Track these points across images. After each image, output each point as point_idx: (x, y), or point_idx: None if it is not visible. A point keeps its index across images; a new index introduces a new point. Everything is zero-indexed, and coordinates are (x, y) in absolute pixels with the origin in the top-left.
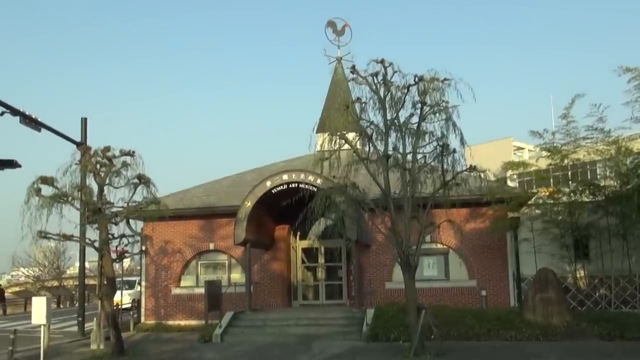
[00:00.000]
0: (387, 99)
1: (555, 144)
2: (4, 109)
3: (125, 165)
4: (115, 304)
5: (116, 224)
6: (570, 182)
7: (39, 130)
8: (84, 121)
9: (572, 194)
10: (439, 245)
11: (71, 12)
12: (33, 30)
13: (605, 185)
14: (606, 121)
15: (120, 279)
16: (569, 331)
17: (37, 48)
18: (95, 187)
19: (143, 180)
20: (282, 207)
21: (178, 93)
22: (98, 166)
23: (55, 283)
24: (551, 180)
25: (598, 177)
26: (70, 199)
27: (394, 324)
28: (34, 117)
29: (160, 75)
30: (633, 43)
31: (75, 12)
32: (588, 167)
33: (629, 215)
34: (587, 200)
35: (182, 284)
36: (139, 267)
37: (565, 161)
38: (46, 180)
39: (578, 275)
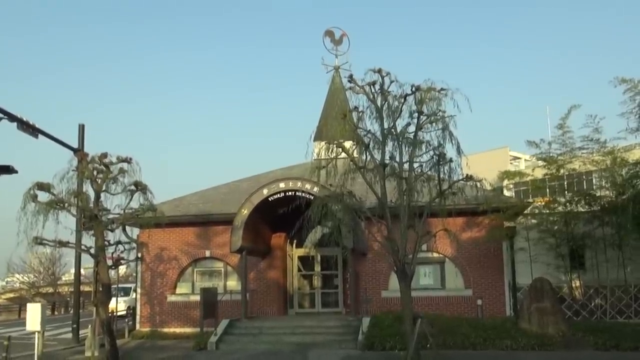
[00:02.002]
0: (384, 108)
1: (551, 154)
2: (2, 115)
3: (122, 171)
4: (110, 310)
5: (112, 230)
6: (566, 192)
7: (37, 137)
8: (82, 128)
9: (567, 204)
10: (435, 254)
11: (70, 14)
12: (32, 32)
13: (601, 196)
14: (602, 132)
15: (115, 286)
16: (565, 341)
17: (36, 52)
18: (91, 194)
19: (140, 187)
20: (279, 215)
21: (176, 99)
22: (95, 173)
23: (50, 289)
24: (547, 190)
25: (594, 187)
26: (66, 205)
27: (390, 332)
28: (31, 123)
29: (160, 81)
30: (629, 54)
31: (73, 14)
32: (584, 177)
33: (624, 226)
34: (582, 210)
35: (178, 291)
36: (134, 274)
37: (561, 171)
38: (43, 187)
39: (574, 285)
